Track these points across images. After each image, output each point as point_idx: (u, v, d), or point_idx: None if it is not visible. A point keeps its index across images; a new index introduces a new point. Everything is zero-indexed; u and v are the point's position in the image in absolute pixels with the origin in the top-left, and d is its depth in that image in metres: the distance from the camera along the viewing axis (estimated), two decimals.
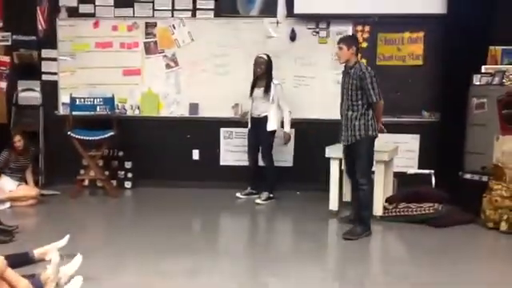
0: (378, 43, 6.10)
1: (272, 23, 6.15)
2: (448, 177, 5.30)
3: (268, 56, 5.61)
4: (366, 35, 6.10)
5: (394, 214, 4.84)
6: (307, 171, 5.99)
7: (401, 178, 5.55)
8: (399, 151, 5.53)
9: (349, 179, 4.87)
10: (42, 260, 3.42)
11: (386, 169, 4.95)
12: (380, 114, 4.55)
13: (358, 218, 4.50)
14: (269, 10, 6.14)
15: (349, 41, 4.51)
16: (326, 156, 5.00)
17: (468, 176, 5.16)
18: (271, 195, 5.70)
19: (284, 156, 6.23)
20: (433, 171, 5.48)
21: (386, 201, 4.97)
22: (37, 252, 3.44)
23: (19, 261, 3.13)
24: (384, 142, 5.86)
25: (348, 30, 6.09)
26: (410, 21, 6.02)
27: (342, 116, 4.57)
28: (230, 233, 4.83)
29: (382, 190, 4.83)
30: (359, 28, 6.11)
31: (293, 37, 6.15)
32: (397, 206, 4.88)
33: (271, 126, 5.57)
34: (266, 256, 3.89)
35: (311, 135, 6.05)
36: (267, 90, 5.54)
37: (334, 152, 5.02)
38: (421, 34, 6.06)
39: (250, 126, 5.78)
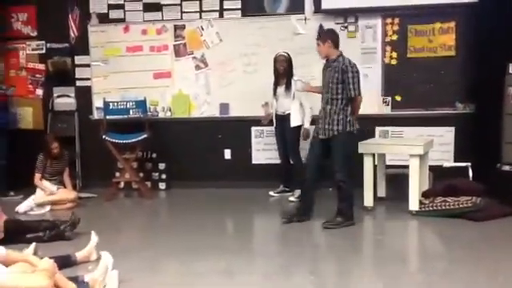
0: (408, 35, 6.00)
1: (299, 20, 6.13)
2: (485, 169, 5.17)
3: (288, 53, 5.62)
4: (395, 27, 6.01)
5: (430, 208, 4.75)
6: None
7: (436, 171, 5.45)
8: (434, 144, 5.43)
9: (312, 173, 4.68)
10: (84, 262, 3.52)
11: (421, 162, 4.86)
12: (357, 111, 4.53)
13: (337, 209, 4.51)
14: (296, 7, 6.13)
15: (323, 36, 4.58)
16: (359, 152, 4.95)
17: (507, 168, 5.02)
18: None
19: None
20: (469, 164, 5.36)
21: (422, 195, 4.89)
22: (79, 255, 3.54)
23: (62, 263, 3.20)
24: (418, 135, 5.83)
25: (377, 23, 6.04)
26: (441, 11, 5.89)
27: (320, 110, 4.60)
28: (264, 232, 4.84)
29: (417, 184, 4.76)
30: (388, 21, 6.02)
31: (321, 32, 6.10)
32: (433, 200, 4.79)
33: (294, 121, 5.57)
34: (301, 254, 3.88)
35: None
36: (288, 87, 5.55)
37: (367, 148, 4.97)
38: (452, 24, 5.92)
39: (275, 124, 5.80)
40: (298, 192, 5.67)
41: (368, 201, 4.99)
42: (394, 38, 6.02)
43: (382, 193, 5.37)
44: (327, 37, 4.52)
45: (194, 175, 6.36)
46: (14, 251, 2.68)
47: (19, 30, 6.73)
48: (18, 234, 3.89)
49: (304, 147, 5.94)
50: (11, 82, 6.79)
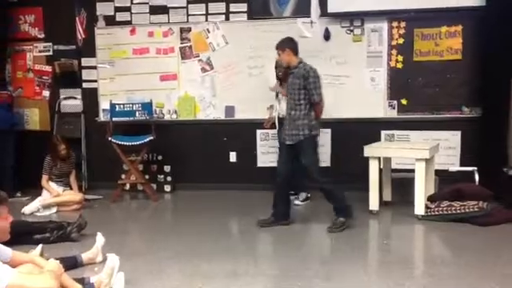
0: (414, 39, 5.99)
1: (305, 23, 6.13)
2: (492, 173, 5.16)
3: None
4: (401, 31, 6.01)
5: (436, 212, 4.74)
6: (345, 171, 5.93)
7: (442, 175, 5.43)
8: (440, 148, 5.41)
9: (282, 179, 4.72)
10: (90, 263, 3.54)
11: (427, 167, 4.84)
12: (320, 115, 4.59)
13: (334, 210, 4.56)
14: (301, 10, 6.13)
15: (281, 45, 4.66)
16: (365, 155, 4.95)
17: None
18: (309, 195, 5.70)
19: (321, 156, 6.18)
20: (476, 168, 5.34)
21: (428, 199, 4.87)
22: (84, 256, 3.55)
23: (68, 264, 3.21)
24: (423, 139, 5.82)
25: (383, 26, 6.03)
26: (447, 14, 5.88)
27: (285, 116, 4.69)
28: (269, 234, 4.83)
29: (423, 188, 4.74)
30: (395, 24, 6.02)
31: (327, 36, 6.12)
32: (439, 204, 4.77)
33: None
34: (306, 258, 3.88)
35: (348, 134, 5.99)
36: None
37: (373, 151, 4.97)
38: (459, 28, 5.91)
39: (278, 126, 5.78)
40: (302, 195, 5.68)
41: (373, 204, 4.98)
42: (401, 41, 6.01)
43: (387, 197, 5.36)
44: (286, 45, 4.61)
45: (199, 177, 6.38)
46: (21, 252, 2.70)
47: (27, 32, 6.77)
48: (24, 235, 3.90)
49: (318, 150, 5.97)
50: (18, 84, 6.84)
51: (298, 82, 4.47)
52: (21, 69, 6.83)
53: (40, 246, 3.50)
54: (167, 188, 6.47)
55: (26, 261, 2.52)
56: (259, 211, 5.44)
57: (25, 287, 2.14)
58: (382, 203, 5.17)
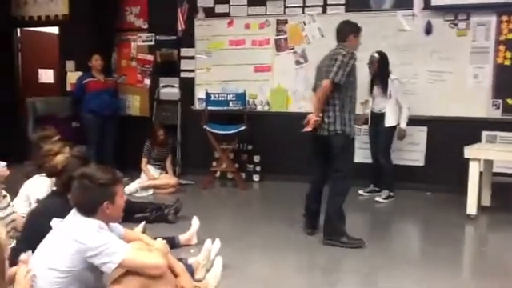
0: None
1: (406, 16, 5.92)
2: None
3: (380, 53, 5.45)
4: None
5: None
6: (440, 171, 5.70)
7: None
8: None
9: None
10: (186, 245, 3.71)
11: None
12: None
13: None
14: (402, 2, 5.93)
15: None
16: (466, 157, 4.69)
17: None
18: (391, 194, 5.55)
19: (414, 155, 5.99)
20: None
21: None
22: (182, 238, 3.73)
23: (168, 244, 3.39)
24: None
25: (491, 20, 5.66)
26: None
27: None
28: (355, 231, 4.72)
29: None
30: (504, 18, 5.62)
31: (428, 30, 5.86)
32: None
33: (389, 122, 5.43)
34: (396, 259, 3.76)
35: (446, 134, 5.73)
36: (384, 87, 5.41)
37: (475, 153, 4.70)
38: None
39: (369, 122, 5.70)
40: (385, 193, 5.56)
41: (471, 209, 4.70)
42: (510, 36, 5.61)
43: (486, 201, 5.06)
44: None
45: (288, 169, 6.40)
46: (130, 230, 2.89)
47: (132, 23, 7.17)
48: (127, 213, 4.15)
49: (411, 149, 5.80)
50: (122, 71, 7.27)
51: None
52: (125, 57, 7.25)
53: (143, 223, 3.73)
54: (256, 178, 6.59)
55: (136, 238, 2.69)
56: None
57: (138, 262, 2.30)
58: (480, 208, 4.89)
